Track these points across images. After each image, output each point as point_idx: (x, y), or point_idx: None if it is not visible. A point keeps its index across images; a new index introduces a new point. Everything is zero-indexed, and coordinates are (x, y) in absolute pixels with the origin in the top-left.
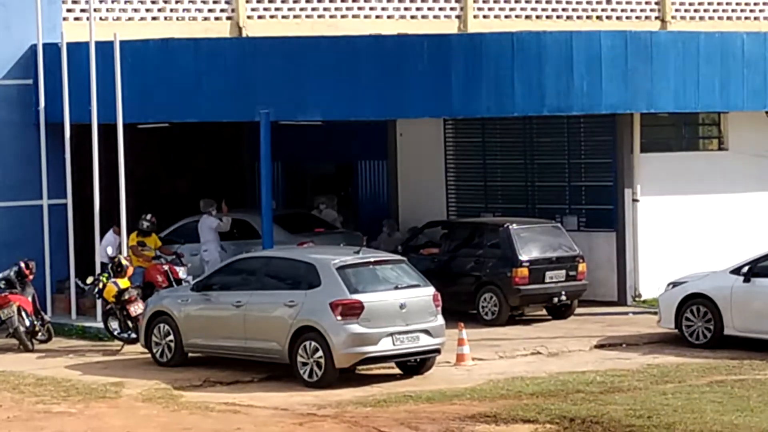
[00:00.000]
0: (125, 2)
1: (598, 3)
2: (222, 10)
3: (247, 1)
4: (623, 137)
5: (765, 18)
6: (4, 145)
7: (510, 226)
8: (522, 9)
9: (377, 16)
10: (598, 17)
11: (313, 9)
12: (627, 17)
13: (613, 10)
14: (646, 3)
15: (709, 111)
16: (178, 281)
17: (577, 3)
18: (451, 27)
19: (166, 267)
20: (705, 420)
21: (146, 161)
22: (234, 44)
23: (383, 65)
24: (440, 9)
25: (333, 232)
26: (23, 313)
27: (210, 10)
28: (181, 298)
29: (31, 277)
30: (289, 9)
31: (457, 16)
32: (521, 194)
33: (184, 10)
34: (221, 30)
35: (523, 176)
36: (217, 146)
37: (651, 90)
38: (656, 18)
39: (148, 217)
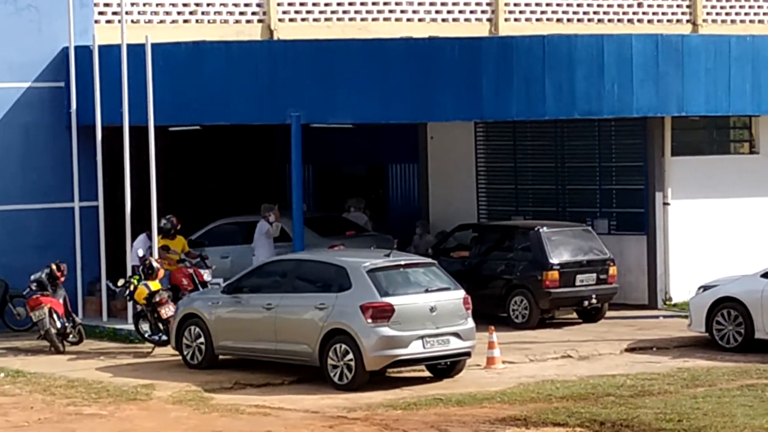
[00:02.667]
0: (157, 5)
1: (629, 6)
2: (253, 13)
3: (278, 4)
4: (654, 140)
5: None
6: (36, 148)
7: (541, 230)
8: (553, 12)
9: (408, 19)
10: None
11: (344, 12)
12: (658, 20)
13: (644, 13)
14: (678, 6)
15: (740, 114)
16: (203, 284)
17: (609, 6)
18: (482, 30)
19: (190, 270)
20: (736, 424)
21: (178, 164)
22: (265, 47)
23: (414, 68)
24: (471, 12)
25: (363, 234)
26: (54, 315)
27: (241, 13)
28: (211, 301)
29: (62, 279)
30: (320, 12)
31: (488, 19)
32: (552, 197)
33: (215, 13)
34: (252, 33)
35: (554, 179)
36: (248, 149)
37: (682, 93)
38: (687, 21)
39: (168, 216)
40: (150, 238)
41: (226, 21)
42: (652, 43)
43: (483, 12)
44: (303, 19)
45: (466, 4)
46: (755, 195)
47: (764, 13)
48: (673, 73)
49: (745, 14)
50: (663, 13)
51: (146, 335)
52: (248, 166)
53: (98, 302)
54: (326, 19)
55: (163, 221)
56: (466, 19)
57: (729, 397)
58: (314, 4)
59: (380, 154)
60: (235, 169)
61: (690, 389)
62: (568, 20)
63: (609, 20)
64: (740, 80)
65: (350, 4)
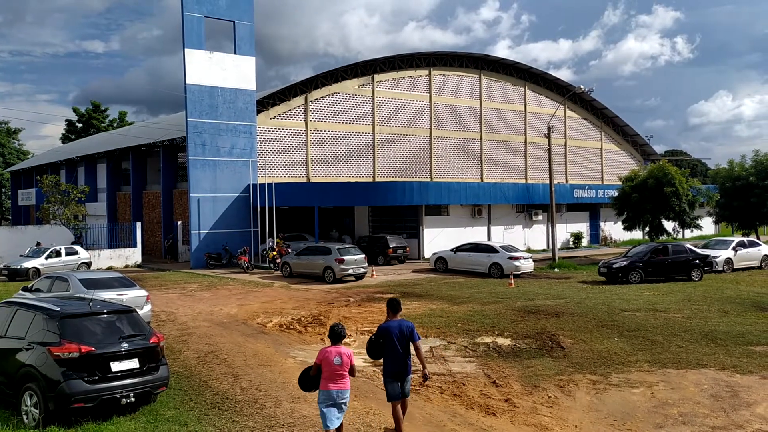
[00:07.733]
0: (275, 173)
1: (411, 170)
2: (303, 174)
3: (311, 171)
4: (420, 211)
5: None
6: (239, 213)
7: (386, 236)
8: (393, 172)
9: (350, 176)
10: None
11: (332, 173)
12: (420, 176)
13: (414, 174)
14: (427, 169)
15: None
16: (288, 253)
17: (406, 168)
18: (369, 179)
19: (285, 248)
20: (443, 293)
21: (279, 217)
22: (308, 184)
23: (351, 190)
24: (367, 174)
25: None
26: (244, 262)
27: (298, 175)
28: (293, 257)
29: (247, 251)
30: (324, 173)
31: (371, 176)
32: (391, 228)
33: (292, 173)
34: (302, 178)
35: (390, 222)
36: (303, 214)
37: (427, 196)
38: (427, 177)
39: (279, 233)
40: (272, 239)
41: (294, 177)
42: (419, 184)
43: (369, 175)
44: (319, 174)
45: (363, 170)
46: (451, 227)
47: (478, 173)
48: (425, 192)
49: (457, 173)
50: (421, 173)
51: (272, 268)
52: (302, 219)
53: (257, 258)
54: (324, 175)
55: (281, 234)
56: (366, 177)
57: (442, 285)
58: (323, 170)
59: (342, 215)
60: (297, 219)
61: (431, 283)
62: (400, 177)
63: (407, 177)
64: (438, 193)
65: (334, 169)
